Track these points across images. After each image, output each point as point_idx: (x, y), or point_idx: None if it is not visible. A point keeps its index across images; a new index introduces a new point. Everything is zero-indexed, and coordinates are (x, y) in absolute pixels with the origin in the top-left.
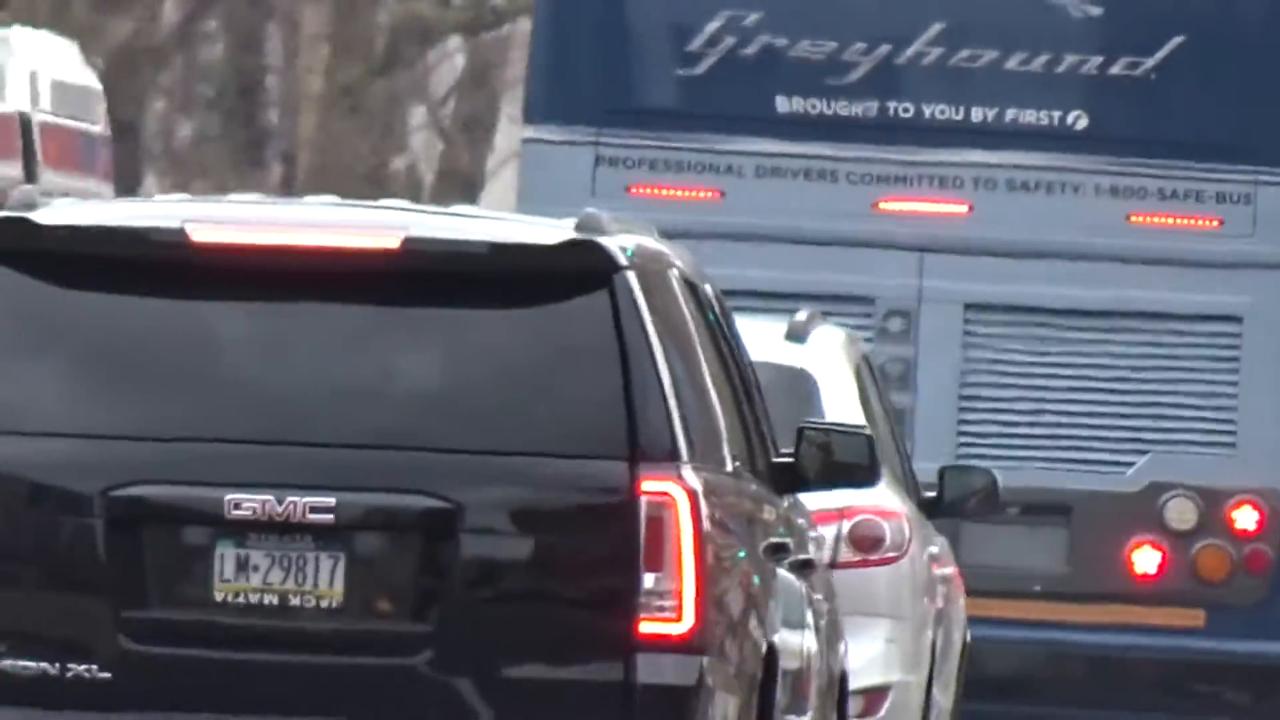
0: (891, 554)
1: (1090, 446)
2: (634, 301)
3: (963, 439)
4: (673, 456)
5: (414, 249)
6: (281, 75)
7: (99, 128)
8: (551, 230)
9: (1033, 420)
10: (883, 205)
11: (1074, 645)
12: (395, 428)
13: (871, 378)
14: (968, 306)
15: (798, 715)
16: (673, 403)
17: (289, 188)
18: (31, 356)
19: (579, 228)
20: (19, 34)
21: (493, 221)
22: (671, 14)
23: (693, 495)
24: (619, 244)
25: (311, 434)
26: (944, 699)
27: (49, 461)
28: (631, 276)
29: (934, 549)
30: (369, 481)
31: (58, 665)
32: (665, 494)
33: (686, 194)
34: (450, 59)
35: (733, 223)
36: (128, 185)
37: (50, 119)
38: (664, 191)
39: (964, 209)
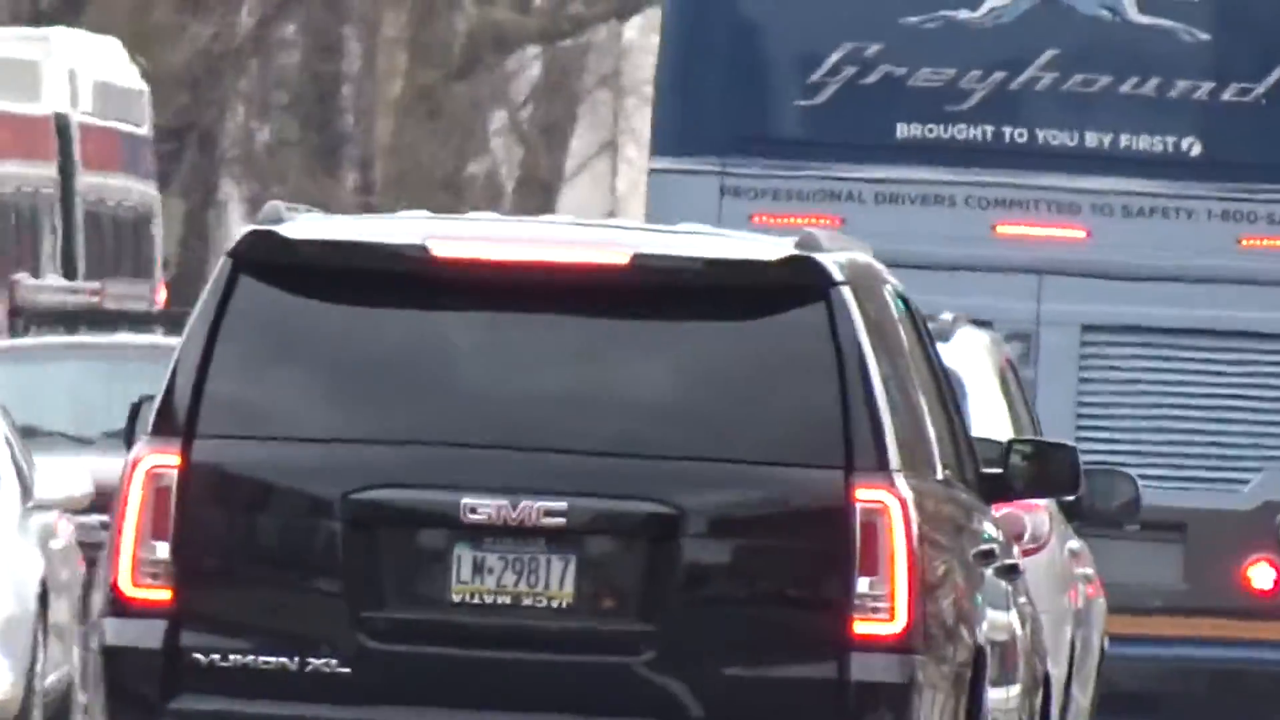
0: (1031, 546)
1: (1206, 464)
2: (849, 315)
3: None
4: (886, 466)
5: (642, 264)
6: (358, 80)
7: (143, 129)
8: (770, 246)
9: (1149, 439)
10: (1001, 229)
11: (1192, 660)
12: (622, 436)
13: (1015, 380)
14: (1085, 328)
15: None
16: (886, 414)
17: (366, 193)
18: (277, 364)
19: (799, 245)
20: (59, 34)
21: (715, 239)
22: (794, 46)
23: (904, 503)
24: (835, 260)
25: (544, 441)
26: (1083, 698)
27: (293, 465)
28: (847, 291)
29: (1074, 545)
30: (598, 487)
31: (299, 660)
32: (879, 502)
33: (808, 222)
34: (529, 66)
35: None
36: (205, 189)
37: (90, 120)
38: (786, 220)
39: (1081, 234)
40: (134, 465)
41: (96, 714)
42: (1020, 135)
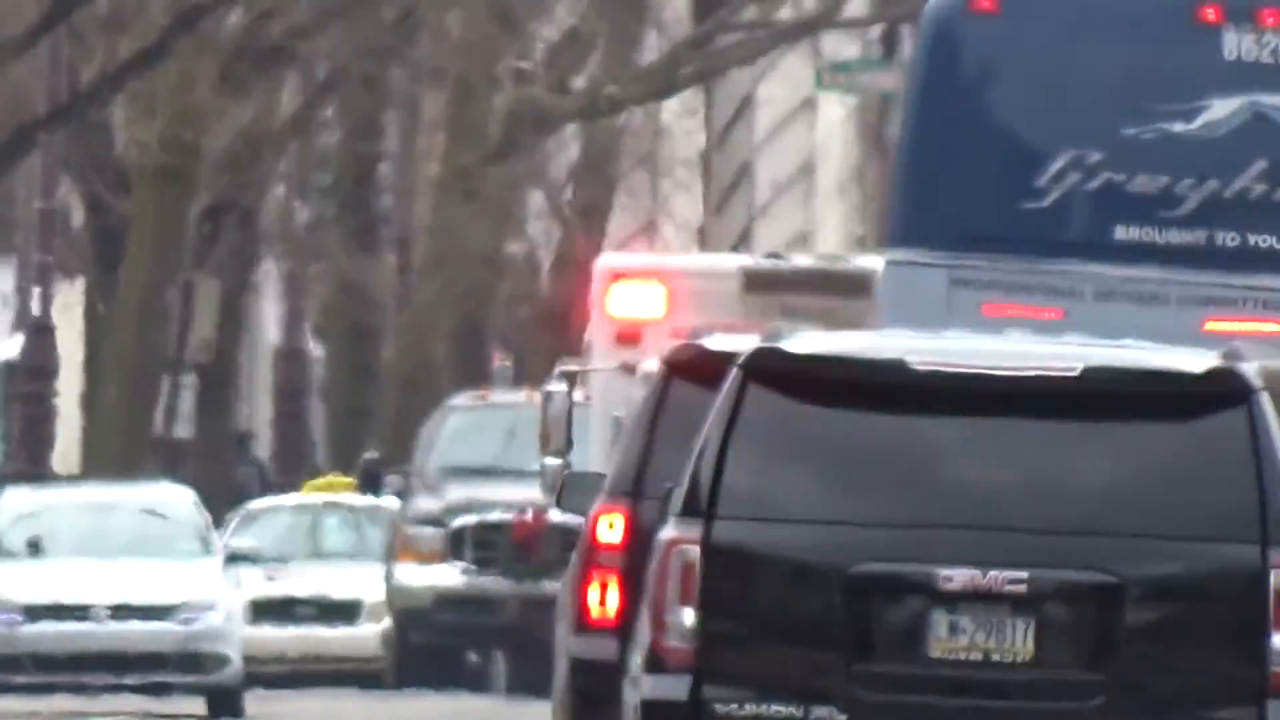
0: None
1: None
2: (1265, 417)
3: None
4: None
5: (1091, 375)
6: (397, 161)
7: None
8: (1198, 359)
9: None
10: (1209, 325)
11: None
12: (1072, 517)
13: None
14: None
15: None
16: None
17: (404, 272)
18: (781, 458)
19: (1224, 357)
20: None
21: (1148, 352)
22: (1020, 153)
23: None
24: (1253, 370)
25: (1006, 521)
26: None
27: (798, 543)
28: (1264, 397)
29: None
30: (1054, 560)
31: (804, 709)
32: None
33: (1033, 313)
34: (567, 146)
35: None
36: (242, 269)
37: None
38: (1013, 311)
39: None
40: (667, 544)
41: None
42: (1231, 240)
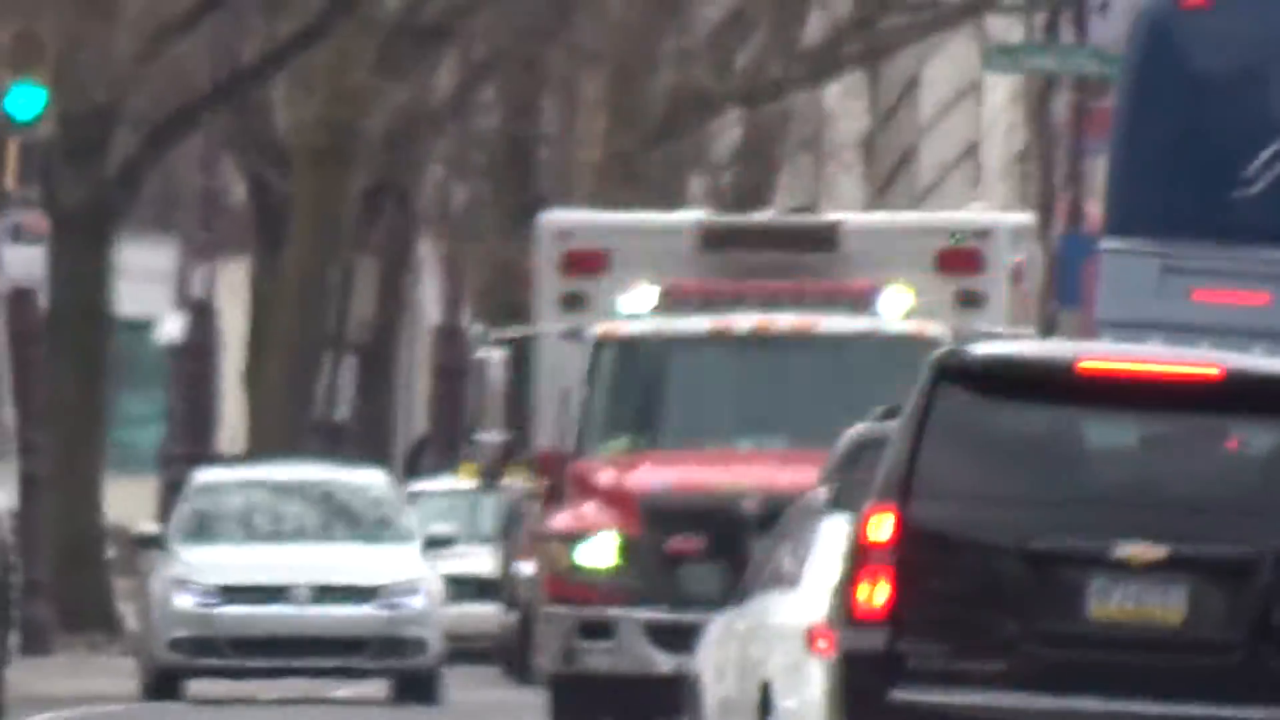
0: None
1: None
2: None
3: None
4: None
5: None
6: (556, 143)
7: None
8: None
9: None
10: None
11: None
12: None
13: None
14: None
15: None
16: None
17: None
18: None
19: None
20: None
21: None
22: (1229, 142)
23: None
24: None
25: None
26: None
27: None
28: None
29: None
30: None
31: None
32: None
33: (1241, 299)
34: (729, 129)
35: None
36: (403, 247)
37: None
38: (1222, 296)
39: None
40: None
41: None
42: None
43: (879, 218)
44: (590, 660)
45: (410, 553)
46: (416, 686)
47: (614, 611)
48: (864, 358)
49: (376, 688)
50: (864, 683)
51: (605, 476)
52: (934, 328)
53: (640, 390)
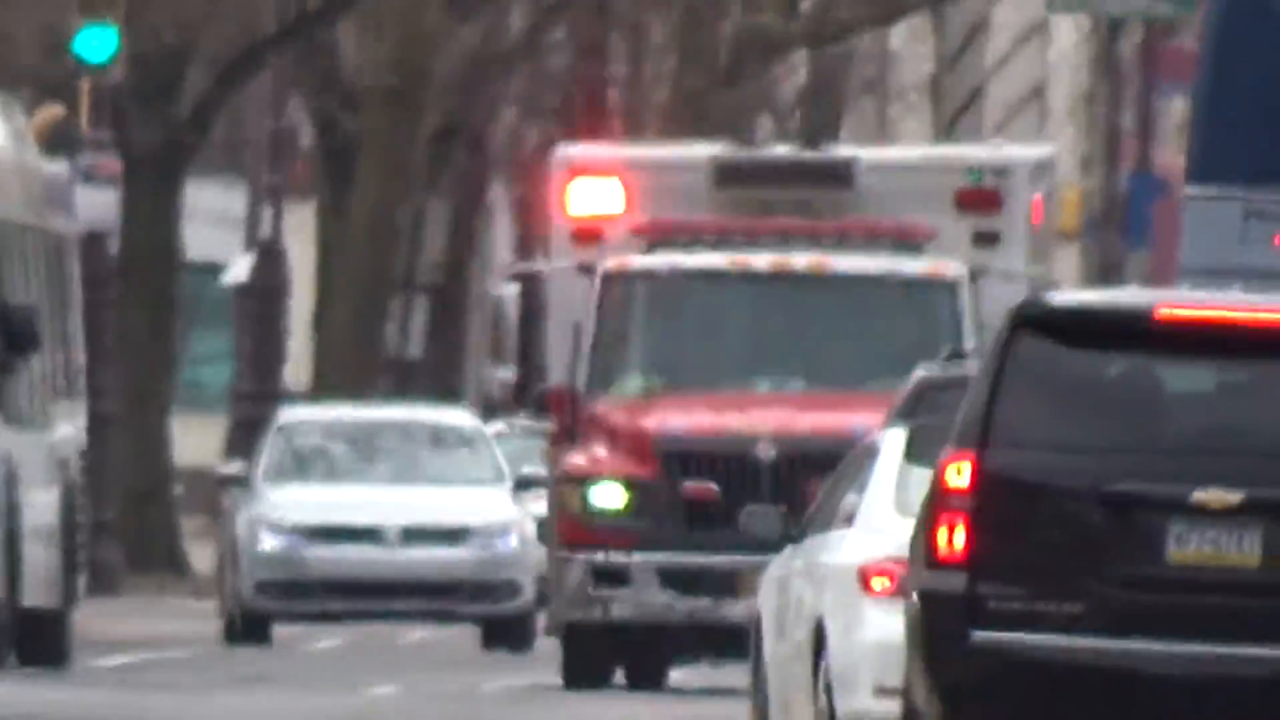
0: None
1: None
2: None
3: None
4: None
5: None
6: (625, 84)
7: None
8: None
9: None
10: None
11: None
12: None
13: None
14: None
15: None
16: None
17: None
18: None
19: None
20: None
21: None
22: None
23: None
24: None
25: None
26: None
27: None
28: None
29: None
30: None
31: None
32: None
33: None
34: (796, 71)
35: None
36: (474, 189)
37: None
38: None
39: None
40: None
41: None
42: None
43: (896, 152)
44: (606, 609)
45: (501, 494)
46: (507, 631)
47: (628, 557)
48: (883, 298)
49: (458, 632)
50: (945, 624)
51: (620, 418)
52: (954, 267)
53: (652, 327)
